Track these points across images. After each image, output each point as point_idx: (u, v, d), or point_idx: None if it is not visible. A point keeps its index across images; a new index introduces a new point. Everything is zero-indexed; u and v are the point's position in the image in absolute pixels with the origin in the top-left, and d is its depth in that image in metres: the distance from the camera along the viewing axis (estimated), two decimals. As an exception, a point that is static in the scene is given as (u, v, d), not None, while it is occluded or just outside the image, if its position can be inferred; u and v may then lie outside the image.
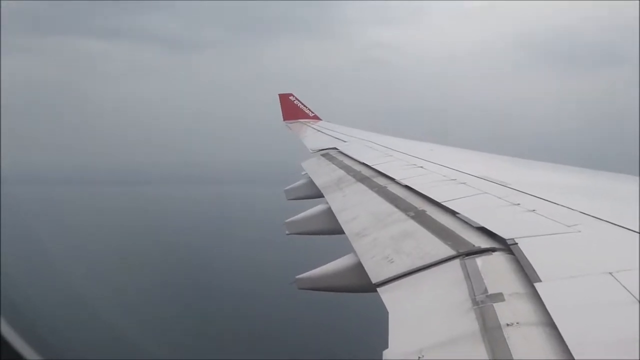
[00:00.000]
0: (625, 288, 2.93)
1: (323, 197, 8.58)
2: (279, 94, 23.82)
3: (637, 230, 3.90)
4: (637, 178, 6.65)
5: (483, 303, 3.13)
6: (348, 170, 9.92)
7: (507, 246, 3.97)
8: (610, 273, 3.15)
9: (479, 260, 3.86)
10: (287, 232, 8.63)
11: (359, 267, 4.81)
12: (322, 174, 10.64)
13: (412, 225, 5.35)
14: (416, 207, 5.97)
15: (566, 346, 2.44)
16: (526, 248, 3.79)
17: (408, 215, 5.74)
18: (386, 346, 3.04)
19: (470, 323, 2.95)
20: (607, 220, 4.27)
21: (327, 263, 5.76)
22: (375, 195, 7.29)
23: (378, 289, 4.04)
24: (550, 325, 2.70)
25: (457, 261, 3.98)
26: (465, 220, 4.88)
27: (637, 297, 2.80)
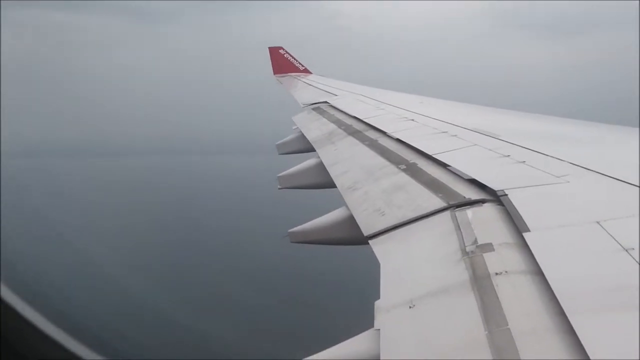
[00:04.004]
0: (612, 237, 2.99)
1: (315, 151, 8.57)
2: (269, 48, 23.36)
3: (624, 180, 3.94)
4: (625, 128, 6.68)
5: (473, 253, 3.19)
6: (339, 124, 9.87)
7: (497, 197, 4.01)
8: (598, 222, 3.19)
9: (469, 212, 3.90)
10: (279, 186, 8.65)
11: (351, 220, 4.85)
12: (314, 128, 10.58)
13: (403, 178, 5.38)
14: (407, 160, 5.98)
15: (553, 294, 2.50)
16: (516, 199, 3.83)
17: (399, 168, 5.76)
18: (378, 297, 3.10)
19: (460, 273, 3.01)
20: (596, 170, 4.31)
21: (319, 217, 5.81)
22: (366, 148, 7.29)
23: (370, 241, 4.10)
24: (538, 273, 2.75)
25: (447, 213, 4.03)
26: (456, 172, 4.91)
27: (624, 245, 2.86)
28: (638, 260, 2.66)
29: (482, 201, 4.05)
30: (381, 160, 6.39)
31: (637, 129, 6.54)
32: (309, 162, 8.46)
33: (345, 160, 7.19)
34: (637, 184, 3.79)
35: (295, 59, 23.20)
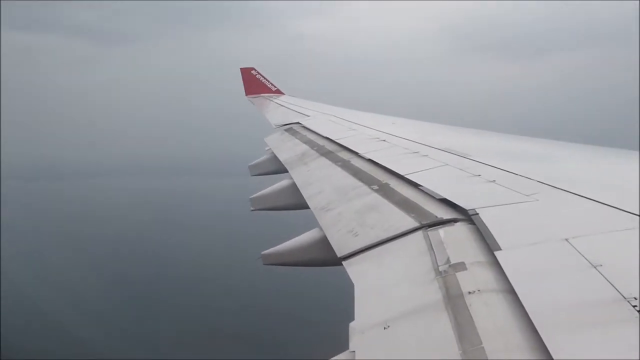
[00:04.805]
0: (580, 253, 3.04)
1: (287, 172, 8.57)
2: (241, 68, 23.38)
3: (591, 197, 4.03)
4: (591, 147, 6.86)
5: (446, 272, 3.21)
6: (312, 144, 9.91)
7: (468, 216, 4.05)
8: (566, 239, 3.25)
9: (442, 231, 3.94)
10: (251, 208, 8.61)
11: (324, 241, 4.84)
12: (286, 149, 10.60)
13: (376, 198, 5.41)
14: (380, 181, 6.02)
15: (525, 311, 2.53)
16: (486, 218, 3.88)
17: (372, 189, 5.79)
18: (352, 318, 3.09)
19: (433, 292, 3.02)
20: (563, 188, 4.40)
21: (292, 238, 5.78)
22: (339, 169, 7.32)
23: (343, 262, 4.09)
24: (510, 291, 2.79)
25: (420, 232, 4.06)
26: (428, 192, 4.96)
27: (592, 262, 2.91)
28: (606, 277, 2.72)
29: (454, 220, 4.10)
30: (354, 181, 6.42)
31: (602, 147, 6.73)
32: (281, 183, 8.46)
33: (318, 181, 7.20)
34: (602, 201, 3.88)
35: (267, 79, 23.26)
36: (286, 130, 12.93)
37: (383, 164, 6.61)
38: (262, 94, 22.51)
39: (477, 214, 4.00)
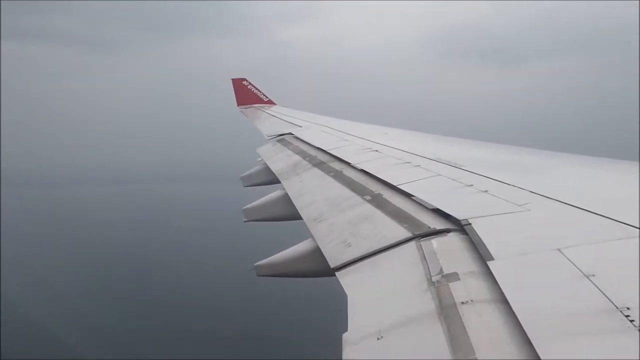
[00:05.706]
0: (573, 263, 3.05)
1: (280, 183, 8.56)
2: (232, 79, 23.40)
3: (582, 207, 4.05)
4: (584, 157, 6.90)
5: (439, 283, 3.21)
6: (304, 155, 9.91)
7: (461, 227, 4.06)
8: (559, 249, 3.26)
9: (435, 242, 3.94)
10: (244, 219, 8.59)
11: (317, 252, 4.84)
12: (278, 159, 10.60)
13: (368, 208, 5.41)
14: (372, 191, 6.02)
15: (518, 321, 2.53)
16: (479, 228, 3.89)
17: (364, 199, 5.79)
18: (346, 329, 3.08)
19: (427, 302, 3.02)
20: (555, 198, 4.42)
21: (285, 249, 5.77)
22: (331, 180, 7.32)
23: (336, 273, 4.08)
24: (503, 301, 2.79)
25: (413, 243, 4.06)
26: (421, 202, 4.96)
27: (584, 271, 2.92)
28: (599, 287, 2.72)
29: (447, 231, 4.10)
30: (346, 192, 6.41)
31: (594, 157, 6.77)
32: (274, 194, 8.44)
33: (310, 191, 7.19)
34: (595, 212, 3.90)
35: (258, 90, 23.28)
36: (278, 140, 12.93)
37: (375, 175, 6.61)
38: (254, 105, 22.52)
39: (470, 224, 4.01)
